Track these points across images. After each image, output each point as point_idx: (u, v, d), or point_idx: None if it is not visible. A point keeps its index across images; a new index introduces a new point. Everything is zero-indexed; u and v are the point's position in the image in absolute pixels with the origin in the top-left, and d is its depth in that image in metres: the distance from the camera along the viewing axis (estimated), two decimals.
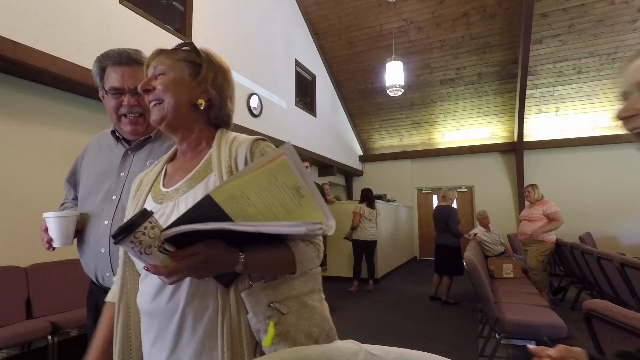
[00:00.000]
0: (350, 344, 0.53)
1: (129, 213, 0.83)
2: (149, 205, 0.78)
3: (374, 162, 9.27)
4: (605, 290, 3.37)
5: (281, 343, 0.66)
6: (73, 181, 1.24)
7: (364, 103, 8.30)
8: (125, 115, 1.12)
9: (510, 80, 6.98)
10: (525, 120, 7.18)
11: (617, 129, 6.89)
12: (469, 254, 2.84)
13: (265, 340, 0.65)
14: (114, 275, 1.04)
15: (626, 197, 6.84)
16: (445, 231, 4.63)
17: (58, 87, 3.16)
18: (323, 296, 0.78)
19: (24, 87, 2.97)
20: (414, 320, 3.91)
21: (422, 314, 4.16)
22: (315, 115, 7.23)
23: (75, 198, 1.24)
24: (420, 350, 0.53)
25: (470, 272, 2.66)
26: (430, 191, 9.12)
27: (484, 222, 4.99)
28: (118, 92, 1.11)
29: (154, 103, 0.78)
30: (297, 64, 6.75)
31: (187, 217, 0.57)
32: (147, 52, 3.51)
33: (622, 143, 6.86)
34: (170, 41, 4.00)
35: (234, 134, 0.82)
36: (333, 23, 6.94)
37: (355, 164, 9.07)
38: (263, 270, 0.69)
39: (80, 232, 1.11)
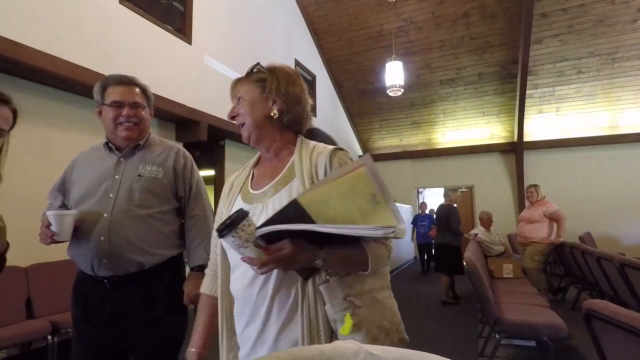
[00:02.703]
0: (350, 344, 0.53)
1: (223, 212, 0.94)
2: (240, 205, 0.88)
3: (374, 162, 9.25)
4: (605, 290, 3.37)
5: (356, 333, 0.74)
6: (63, 189, 1.39)
7: (363, 103, 8.30)
8: (121, 124, 1.31)
9: (510, 80, 6.98)
10: (525, 120, 7.18)
11: (617, 129, 6.90)
12: (469, 254, 2.84)
13: (344, 329, 0.74)
14: (110, 262, 1.22)
15: (626, 197, 6.84)
16: (446, 230, 4.63)
17: (58, 87, 3.16)
18: (392, 293, 0.87)
19: (24, 87, 2.97)
20: (414, 320, 3.91)
21: (422, 314, 4.16)
22: (315, 115, 7.23)
23: (62, 206, 1.38)
24: (420, 350, 0.53)
25: (470, 272, 2.66)
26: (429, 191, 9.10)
27: (487, 223, 4.97)
28: (118, 104, 1.31)
29: (241, 125, 0.90)
30: (297, 64, 6.75)
31: (277, 218, 0.67)
32: (146, 52, 3.52)
33: (622, 143, 6.86)
34: (170, 41, 4.01)
35: (313, 142, 0.92)
36: (333, 23, 6.94)
37: None
38: (339, 266, 0.78)
39: (78, 228, 1.24)
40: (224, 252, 0.90)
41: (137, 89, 1.38)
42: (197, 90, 4.26)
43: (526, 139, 7.45)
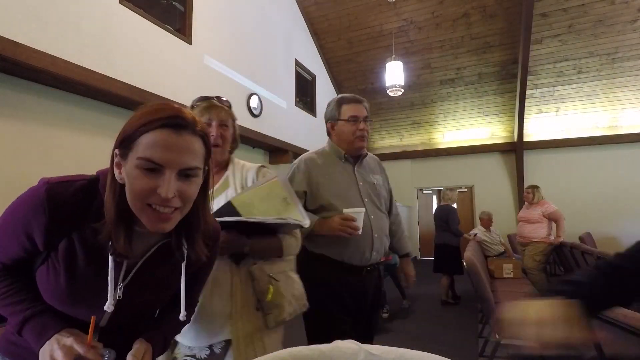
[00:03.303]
0: (350, 344, 0.53)
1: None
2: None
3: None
4: None
5: (277, 300, 1.07)
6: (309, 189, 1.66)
7: None
8: (360, 137, 1.57)
9: (510, 80, 6.98)
10: (525, 120, 7.17)
11: (617, 128, 6.89)
12: (469, 254, 2.84)
13: (269, 297, 1.05)
14: (376, 253, 1.54)
15: (626, 197, 6.83)
16: (445, 230, 4.63)
17: (58, 87, 3.16)
18: (297, 274, 1.23)
19: (24, 87, 2.97)
20: (414, 320, 3.91)
21: (422, 314, 4.16)
22: (315, 115, 7.23)
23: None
24: (420, 350, 0.53)
25: (470, 272, 2.66)
26: (430, 192, 9.11)
27: (487, 223, 4.97)
28: (355, 119, 1.55)
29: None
30: (297, 64, 6.75)
31: (215, 215, 0.89)
32: (146, 52, 3.51)
33: (622, 143, 6.86)
34: (170, 41, 4.01)
35: (242, 162, 1.22)
36: (333, 23, 6.94)
37: None
38: (262, 252, 1.08)
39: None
40: None
41: (365, 105, 1.63)
42: (197, 90, 4.24)
43: (526, 139, 7.45)
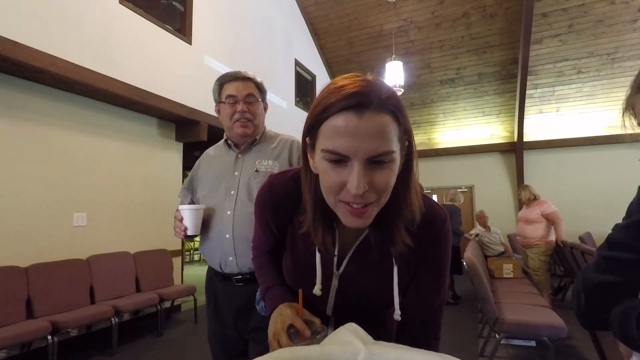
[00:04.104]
0: (351, 342, 0.53)
1: None
2: None
3: None
4: None
5: None
6: (191, 188, 1.44)
7: None
8: (238, 120, 1.31)
9: (510, 80, 6.98)
10: (525, 120, 7.17)
11: (617, 129, 6.89)
12: (469, 253, 2.84)
13: None
14: (236, 260, 1.24)
15: (626, 197, 6.72)
16: None
17: (58, 87, 3.16)
18: None
19: (24, 87, 2.97)
20: None
21: None
22: None
23: (191, 202, 1.42)
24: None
25: (470, 272, 2.66)
26: (429, 191, 9.10)
27: (481, 221, 5.01)
28: (233, 99, 1.31)
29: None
30: (297, 64, 6.75)
31: None
32: (146, 52, 3.53)
33: (622, 143, 6.85)
34: (170, 41, 4.01)
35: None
36: (333, 23, 6.94)
37: None
38: None
39: (205, 224, 1.29)
40: None
41: (252, 84, 1.36)
42: (197, 90, 4.26)
43: (526, 139, 7.45)
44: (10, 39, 2.58)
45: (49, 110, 3.14)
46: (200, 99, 4.28)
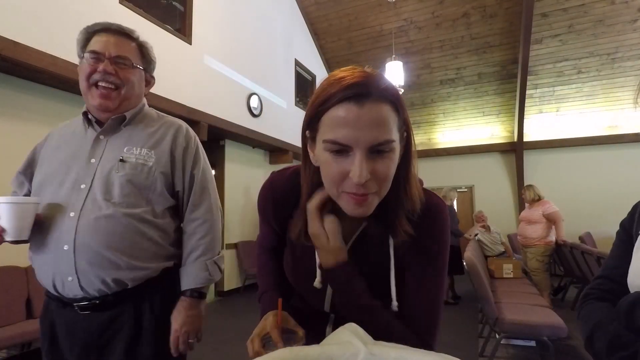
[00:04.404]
0: (351, 341, 0.53)
1: None
2: None
3: None
4: None
5: None
6: (30, 173, 1.06)
7: None
8: (96, 86, 0.97)
9: (510, 80, 6.98)
10: (525, 120, 7.17)
11: (616, 128, 6.89)
12: (469, 253, 2.84)
13: None
14: (78, 280, 0.89)
15: (626, 197, 6.77)
16: None
17: (58, 87, 3.16)
18: None
19: (24, 87, 2.97)
20: None
21: None
22: None
23: (29, 194, 1.06)
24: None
25: (470, 272, 2.66)
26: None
27: (480, 219, 5.03)
28: (97, 56, 0.95)
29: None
30: (297, 64, 6.75)
31: None
32: None
33: (622, 143, 6.86)
34: (170, 41, 4.01)
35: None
36: (333, 23, 6.94)
37: None
38: None
39: (37, 226, 0.92)
40: None
41: (133, 44, 1.01)
42: (197, 90, 4.26)
43: (526, 139, 7.45)
44: (10, 39, 2.58)
45: (49, 110, 3.14)
46: (200, 99, 4.28)
